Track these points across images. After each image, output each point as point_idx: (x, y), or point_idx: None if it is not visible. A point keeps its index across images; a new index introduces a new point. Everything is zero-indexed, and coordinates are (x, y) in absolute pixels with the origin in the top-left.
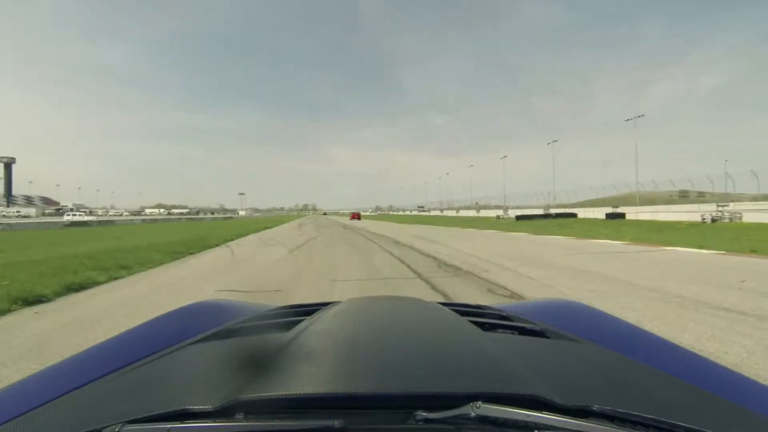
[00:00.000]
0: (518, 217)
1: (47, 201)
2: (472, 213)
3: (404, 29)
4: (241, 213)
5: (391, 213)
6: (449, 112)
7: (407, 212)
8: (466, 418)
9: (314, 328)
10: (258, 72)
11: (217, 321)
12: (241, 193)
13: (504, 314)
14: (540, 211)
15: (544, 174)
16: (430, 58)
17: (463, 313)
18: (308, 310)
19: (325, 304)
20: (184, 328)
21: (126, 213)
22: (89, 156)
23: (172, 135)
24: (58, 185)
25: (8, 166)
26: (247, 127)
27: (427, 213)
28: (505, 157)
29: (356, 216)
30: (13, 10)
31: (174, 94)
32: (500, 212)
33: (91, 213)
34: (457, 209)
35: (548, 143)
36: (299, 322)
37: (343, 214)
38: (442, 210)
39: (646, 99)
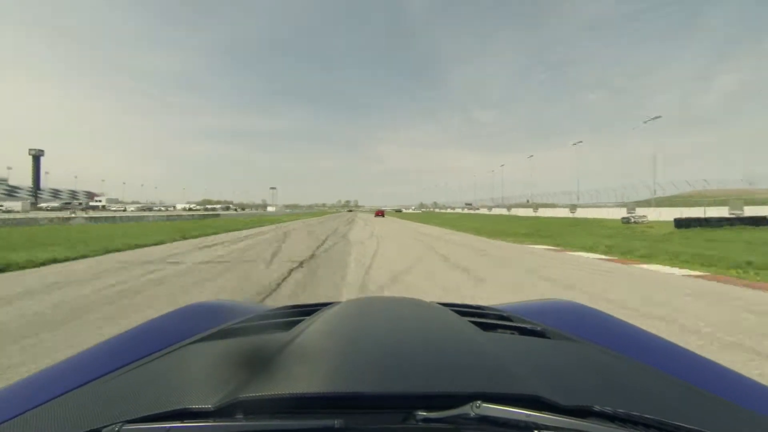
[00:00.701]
0: (679, 223)
1: (89, 195)
2: (525, 212)
3: (452, 26)
4: (270, 209)
5: (436, 210)
6: (497, 107)
7: (456, 210)
8: (466, 417)
9: (314, 328)
10: (307, 73)
11: (217, 321)
12: (272, 188)
13: (504, 314)
14: (680, 212)
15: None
16: (477, 54)
17: (463, 314)
18: (308, 310)
19: (325, 305)
20: (183, 328)
21: (132, 208)
22: (149, 156)
23: (223, 135)
24: (103, 180)
25: (36, 159)
26: (295, 127)
27: (475, 211)
28: (580, 142)
29: (380, 213)
30: (85, 29)
31: (226, 97)
32: (611, 211)
33: (103, 208)
34: (509, 207)
35: (637, 125)
36: (299, 322)
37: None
38: (490, 208)
39: (713, 91)
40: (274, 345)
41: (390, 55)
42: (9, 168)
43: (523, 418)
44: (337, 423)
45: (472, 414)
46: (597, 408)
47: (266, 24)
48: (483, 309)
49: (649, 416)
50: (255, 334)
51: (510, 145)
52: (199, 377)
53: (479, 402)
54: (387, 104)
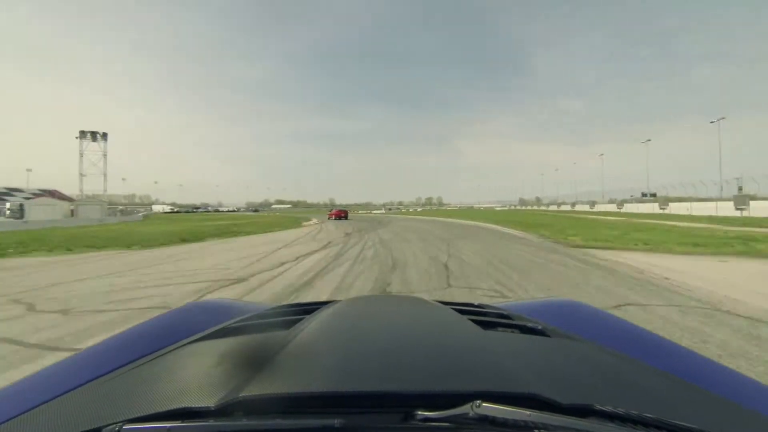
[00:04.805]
0: None
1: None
2: (647, 208)
3: (532, 10)
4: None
5: (526, 208)
6: (582, 97)
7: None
8: (465, 417)
9: (314, 326)
10: (386, 73)
11: (217, 320)
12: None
13: (504, 313)
14: None
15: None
16: (562, 39)
17: (463, 312)
18: (308, 309)
19: (325, 303)
20: (184, 328)
21: (163, 209)
22: (237, 160)
23: (302, 137)
24: (155, 182)
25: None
26: (373, 126)
27: (592, 207)
28: (722, 118)
29: (340, 214)
30: (186, 45)
31: (308, 102)
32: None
33: (216, 211)
34: (620, 203)
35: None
36: (299, 320)
37: (457, 211)
38: (559, 204)
39: None
40: (275, 344)
41: (468, 46)
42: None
43: (524, 418)
44: (337, 422)
45: (472, 413)
46: (597, 407)
47: (345, 28)
48: (483, 308)
49: (649, 415)
50: (255, 333)
51: (605, 134)
52: (200, 376)
53: (479, 401)
54: (468, 98)
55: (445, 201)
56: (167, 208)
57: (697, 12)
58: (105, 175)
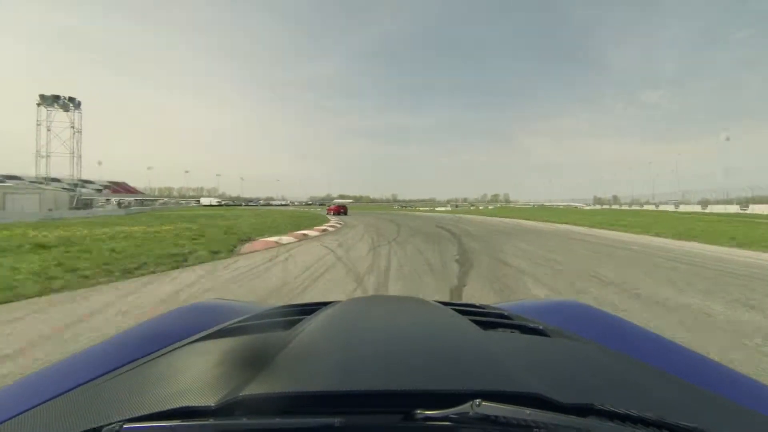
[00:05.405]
0: None
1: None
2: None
3: None
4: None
5: (614, 208)
6: (663, 90)
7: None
8: (466, 416)
9: (314, 326)
10: (448, 65)
11: (217, 320)
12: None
13: (505, 313)
14: None
15: None
16: (642, 25)
17: (463, 312)
18: (308, 309)
19: (325, 304)
20: (184, 328)
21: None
22: (304, 156)
23: (366, 133)
24: (218, 174)
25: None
26: (438, 122)
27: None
28: None
29: (339, 209)
30: (258, 52)
31: (374, 97)
32: None
33: (266, 204)
34: (677, 204)
35: None
36: (299, 321)
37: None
38: (641, 204)
39: None
40: (275, 344)
41: (539, 37)
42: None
43: (524, 417)
44: (337, 421)
45: (472, 413)
46: (597, 406)
47: (410, 20)
48: (483, 308)
49: (649, 415)
50: (255, 333)
51: (688, 130)
52: (200, 376)
53: (479, 400)
54: (539, 93)
55: (512, 198)
56: (214, 201)
57: None
58: (74, 154)
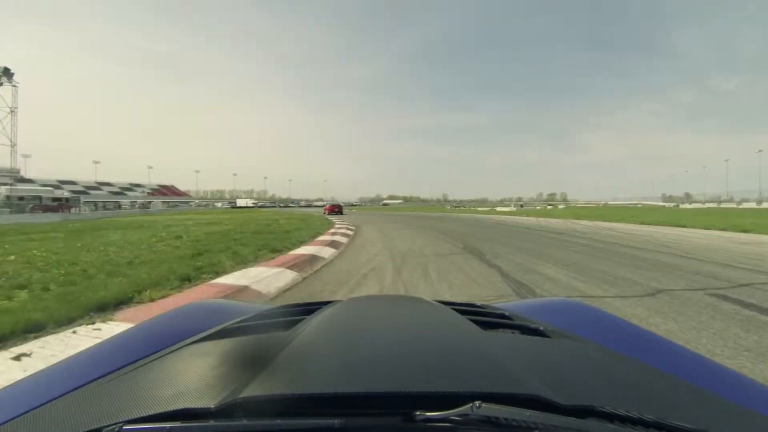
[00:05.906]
0: None
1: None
2: None
3: None
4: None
5: (699, 206)
6: (736, 78)
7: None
8: (466, 417)
9: (314, 327)
10: (500, 62)
11: (217, 320)
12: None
13: (505, 313)
14: None
15: None
16: (708, 9)
17: (463, 312)
18: (308, 309)
19: (325, 303)
20: (183, 328)
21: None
22: (354, 157)
23: (422, 133)
24: (235, 174)
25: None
26: (490, 120)
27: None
28: None
29: (335, 209)
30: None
31: (424, 97)
32: None
33: (308, 206)
34: (759, 202)
35: None
36: (299, 321)
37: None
38: (719, 202)
39: None
40: (275, 344)
41: (598, 24)
42: (197, 171)
43: (524, 418)
44: (337, 423)
45: (473, 414)
46: (597, 408)
47: (460, 16)
48: (484, 308)
49: (649, 416)
50: (255, 334)
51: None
52: (200, 377)
53: (479, 402)
54: (596, 86)
55: (570, 197)
56: (250, 202)
57: None
58: (12, 142)
